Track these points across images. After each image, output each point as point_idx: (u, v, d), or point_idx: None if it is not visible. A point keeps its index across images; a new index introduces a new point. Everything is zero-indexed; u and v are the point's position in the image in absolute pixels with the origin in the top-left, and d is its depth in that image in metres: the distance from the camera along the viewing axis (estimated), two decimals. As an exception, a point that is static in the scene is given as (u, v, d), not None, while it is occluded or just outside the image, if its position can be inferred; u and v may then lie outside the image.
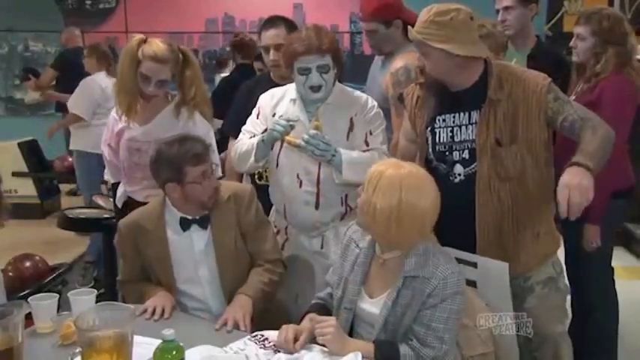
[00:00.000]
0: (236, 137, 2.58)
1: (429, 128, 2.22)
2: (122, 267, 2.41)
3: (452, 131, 2.18)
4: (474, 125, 2.13)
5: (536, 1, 3.07)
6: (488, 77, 2.11)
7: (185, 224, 2.25)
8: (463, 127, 2.15)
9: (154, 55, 2.56)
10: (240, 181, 3.03)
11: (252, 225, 2.30)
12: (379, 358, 1.77)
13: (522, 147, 2.09)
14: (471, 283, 2.15)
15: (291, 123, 2.29)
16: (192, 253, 2.26)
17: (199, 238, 2.26)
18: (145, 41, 2.62)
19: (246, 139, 2.47)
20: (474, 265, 2.14)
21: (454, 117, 2.17)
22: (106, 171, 3.02)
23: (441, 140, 2.20)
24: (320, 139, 2.26)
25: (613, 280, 2.91)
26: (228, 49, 5.90)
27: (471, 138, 2.14)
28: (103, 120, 3.84)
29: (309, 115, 2.39)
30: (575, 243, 2.76)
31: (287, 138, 2.31)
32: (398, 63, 2.80)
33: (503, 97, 2.09)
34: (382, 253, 1.89)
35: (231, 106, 3.08)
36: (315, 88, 2.33)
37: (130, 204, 2.75)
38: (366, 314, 1.90)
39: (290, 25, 2.83)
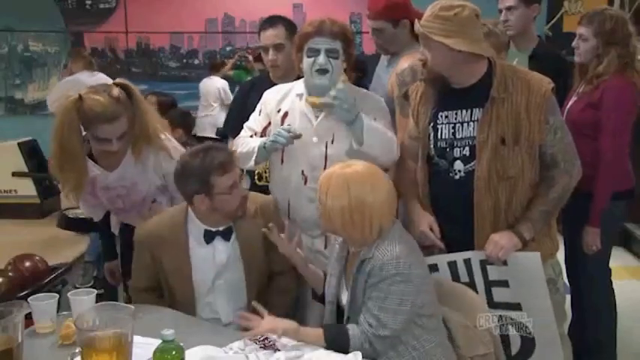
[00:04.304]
0: (235, 137, 2.56)
1: (432, 124, 2.23)
2: (134, 274, 2.33)
3: (454, 128, 2.18)
4: (475, 123, 2.14)
5: (538, 1, 3.06)
6: (492, 76, 2.11)
7: (209, 236, 2.21)
8: (465, 124, 2.16)
9: (103, 116, 2.22)
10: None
11: None
12: (329, 340, 1.81)
13: (523, 148, 2.10)
14: (502, 284, 2.15)
15: (292, 134, 2.26)
16: (214, 265, 2.22)
17: (222, 249, 2.22)
18: (80, 99, 2.24)
19: (248, 137, 2.45)
20: (504, 262, 2.13)
21: (456, 114, 2.18)
22: (82, 209, 2.74)
23: (443, 136, 2.20)
24: (348, 92, 2.23)
25: (610, 281, 2.91)
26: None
27: (471, 135, 2.14)
28: None
29: (316, 110, 2.37)
30: (574, 244, 2.75)
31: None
32: (403, 63, 2.78)
33: (507, 96, 2.09)
34: (351, 246, 1.96)
35: (231, 107, 3.07)
36: (322, 71, 2.29)
37: (128, 227, 2.64)
38: (344, 304, 1.96)
39: (289, 25, 2.82)
